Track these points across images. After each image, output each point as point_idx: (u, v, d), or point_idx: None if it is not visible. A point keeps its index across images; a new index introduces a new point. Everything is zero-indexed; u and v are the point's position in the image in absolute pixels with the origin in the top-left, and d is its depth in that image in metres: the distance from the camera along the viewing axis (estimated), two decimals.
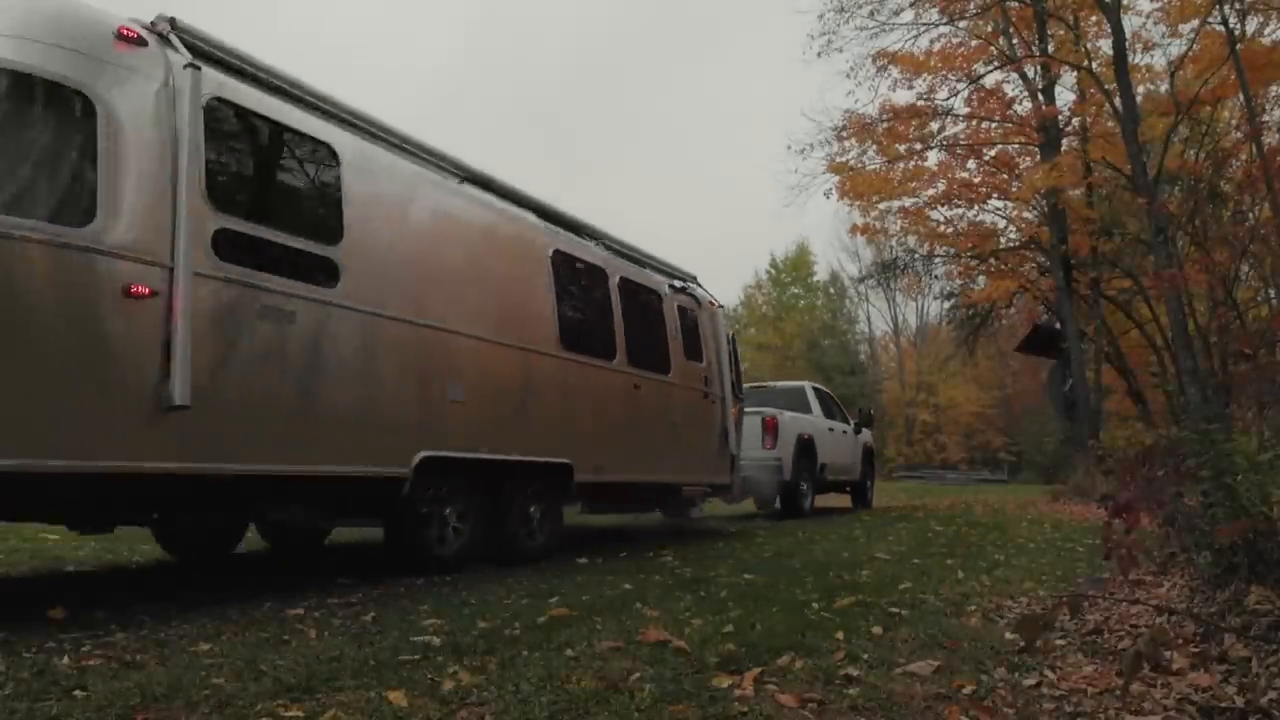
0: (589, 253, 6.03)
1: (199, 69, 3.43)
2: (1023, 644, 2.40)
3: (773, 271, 46.93)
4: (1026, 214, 18.03)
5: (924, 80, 15.85)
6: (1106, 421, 18.10)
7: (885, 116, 15.94)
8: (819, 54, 15.49)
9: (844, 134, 16.13)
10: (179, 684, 2.14)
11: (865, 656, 2.58)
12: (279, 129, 3.88)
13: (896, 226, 18.74)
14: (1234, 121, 16.20)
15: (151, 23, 3.50)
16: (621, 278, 6.24)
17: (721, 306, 7.96)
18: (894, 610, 3.36)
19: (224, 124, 3.61)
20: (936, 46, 15.66)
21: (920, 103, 15.90)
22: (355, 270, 3.98)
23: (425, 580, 4.14)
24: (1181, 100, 14.01)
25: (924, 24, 15.39)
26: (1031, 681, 2.36)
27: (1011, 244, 18.53)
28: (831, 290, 46.77)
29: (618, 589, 3.90)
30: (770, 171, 51.79)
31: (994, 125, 16.82)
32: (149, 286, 3.13)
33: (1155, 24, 14.53)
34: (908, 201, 17.41)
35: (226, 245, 3.42)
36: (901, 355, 46.93)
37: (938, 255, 19.28)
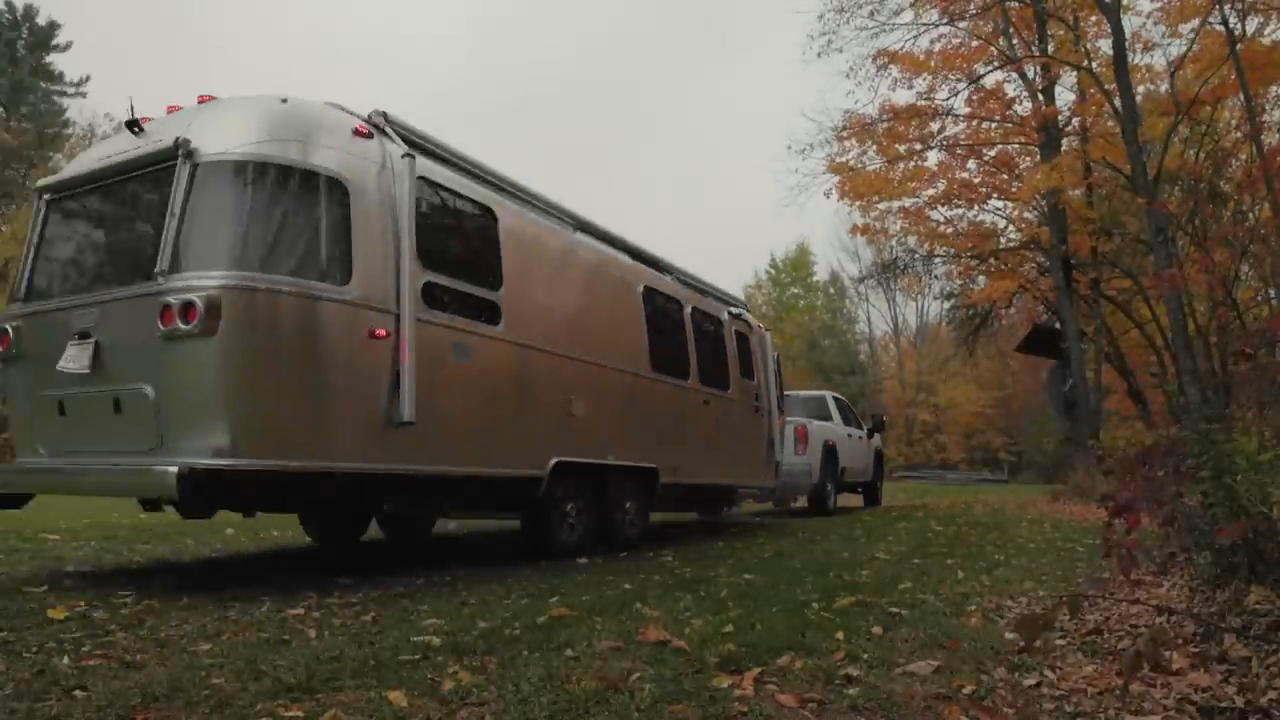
0: (668, 286, 6.93)
1: (412, 157, 4.25)
2: (1023, 644, 2.40)
3: (772, 271, 46.94)
4: (1026, 214, 18.04)
5: (924, 80, 15.86)
6: (1106, 421, 18.11)
7: (885, 117, 15.95)
8: (819, 54, 15.51)
9: (844, 134, 16.14)
10: (179, 684, 2.14)
11: (865, 656, 2.58)
12: (458, 198, 4.74)
13: (896, 226, 18.74)
14: (1234, 121, 16.20)
15: (368, 116, 4.34)
16: (693, 307, 7.19)
17: (769, 330, 9.18)
18: (894, 610, 3.36)
19: (426, 198, 4.42)
20: (936, 47, 15.68)
21: (920, 103, 15.90)
22: (511, 310, 4.84)
23: (425, 580, 4.15)
24: (1181, 100, 14.01)
25: (924, 24, 15.42)
26: (1031, 681, 2.36)
27: (1011, 244, 18.54)
28: (831, 290, 46.78)
29: (618, 589, 3.90)
30: (770, 171, 51.78)
31: (994, 125, 16.82)
32: (386, 330, 3.98)
33: (1155, 24, 14.55)
34: (908, 201, 17.42)
35: (431, 295, 4.29)
36: (901, 355, 46.93)
37: (938, 255, 19.28)
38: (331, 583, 3.99)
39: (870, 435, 12.56)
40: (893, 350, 48.18)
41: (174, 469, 3.31)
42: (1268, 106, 15.40)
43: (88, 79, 32.54)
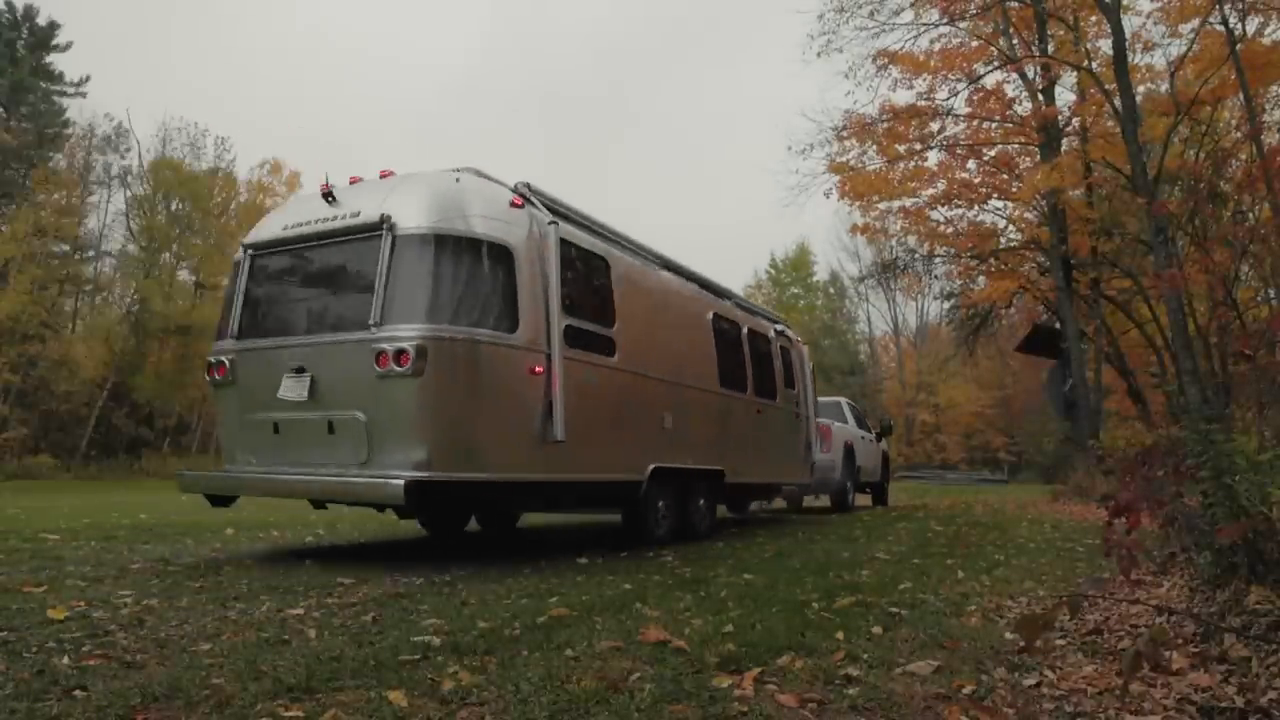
0: (729, 311, 7.78)
1: (556, 223, 5.14)
2: (1023, 644, 2.40)
3: (772, 271, 46.99)
4: (1026, 214, 18.03)
5: (924, 80, 15.86)
6: (1106, 421, 18.10)
7: (885, 117, 15.94)
8: (819, 54, 15.50)
9: (844, 134, 16.13)
10: (179, 684, 2.14)
11: (865, 656, 2.58)
12: (584, 252, 5.55)
13: (896, 226, 18.74)
14: (1234, 121, 16.19)
15: (515, 187, 5.20)
16: (748, 328, 8.08)
17: (806, 344, 10.31)
18: (894, 610, 3.35)
19: (563, 254, 5.17)
20: (936, 47, 15.68)
21: (920, 103, 15.89)
22: (622, 343, 5.68)
23: (425, 580, 4.15)
24: (1181, 100, 14.01)
25: (924, 24, 15.41)
26: (1031, 681, 2.36)
27: (1011, 244, 18.53)
28: (831, 290, 46.82)
29: (618, 589, 3.90)
30: (771, 171, 51.78)
31: (994, 125, 16.81)
32: (541, 367, 4.85)
33: (1155, 24, 14.54)
34: (908, 201, 17.42)
35: (570, 335, 5.10)
36: (901, 355, 46.96)
37: (938, 255, 19.28)
38: (331, 583, 3.99)
39: (879, 439, 13.27)
40: (893, 350, 48.20)
41: (401, 481, 4.22)
42: (1268, 106, 15.38)
43: (88, 79, 32.57)
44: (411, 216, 4.62)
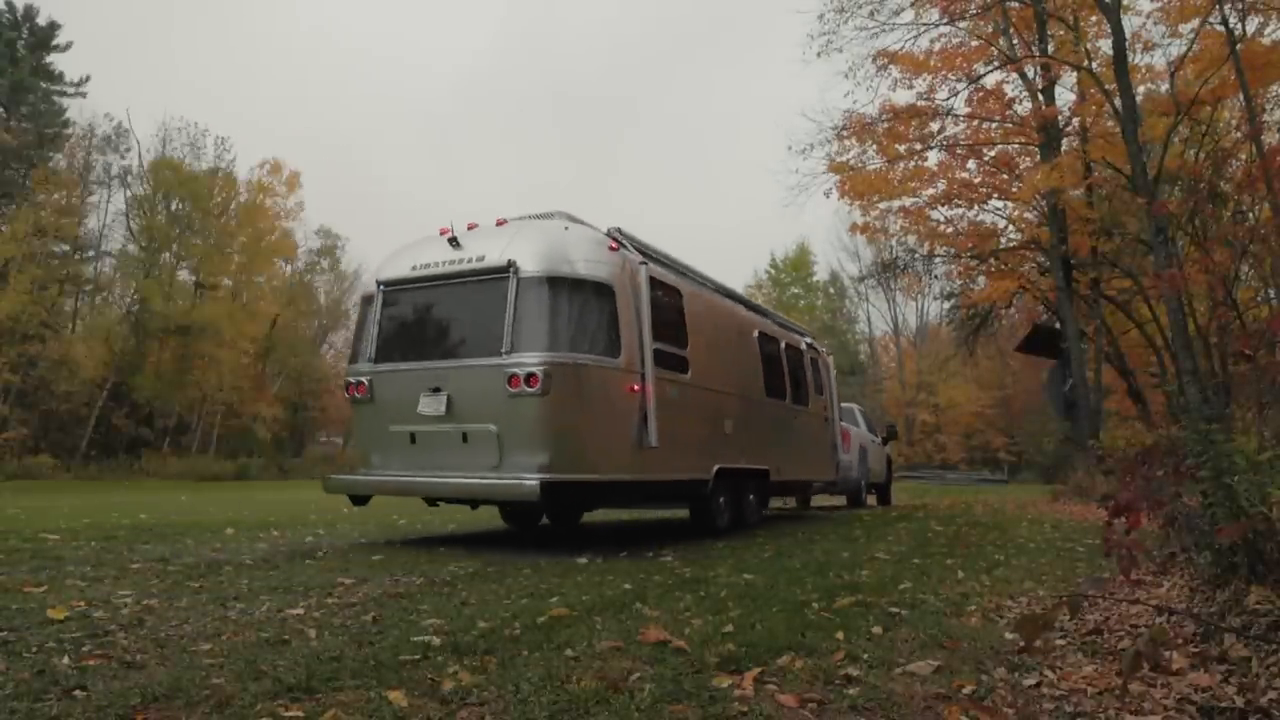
0: (769, 328, 8.69)
1: (645, 263, 6.06)
2: (1023, 644, 2.40)
3: (772, 271, 46.98)
4: (1026, 214, 18.02)
5: (924, 80, 15.84)
6: (1106, 421, 18.09)
7: (885, 116, 15.93)
8: (819, 54, 15.49)
9: (844, 134, 16.12)
10: (179, 684, 2.14)
11: (865, 656, 2.58)
12: (664, 285, 6.37)
13: (896, 226, 18.72)
14: (1234, 121, 16.18)
15: (608, 232, 6.10)
16: (784, 342, 8.97)
17: (831, 354, 11.51)
18: (894, 610, 3.35)
19: (652, 290, 6.02)
20: (936, 46, 15.66)
21: (920, 103, 15.88)
22: (693, 361, 6.54)
23: (425, 580, 4.15)
24: (1181, 100, 14.00)
25: (924, 24, 15.40)
26: (1031, 681, 2.36)
27: (1011, 244, 18.52)
28: (831, 290, 46.81)
29: (618, 589, 3.90)
30: (772, 171, 51.71)
31: (994, 125, 16.80)
32: (637, 385, 5.73)
33: (1155, 24, 14.53)
34: (908, 201, 17.41)
35: (658, 357, 5.91)
36: (901, 355, 46.95)
37: (938, 255, 19.27)
38: (331, 583, 3.99)
39: (884, 442, 14.15)
40: (893, 350, 48.19)
41: (536, 481, 5.07)
42: (1268, 106, 15.38)
43: (88, 79, 32.57)
44: (531, 261, 5.50)
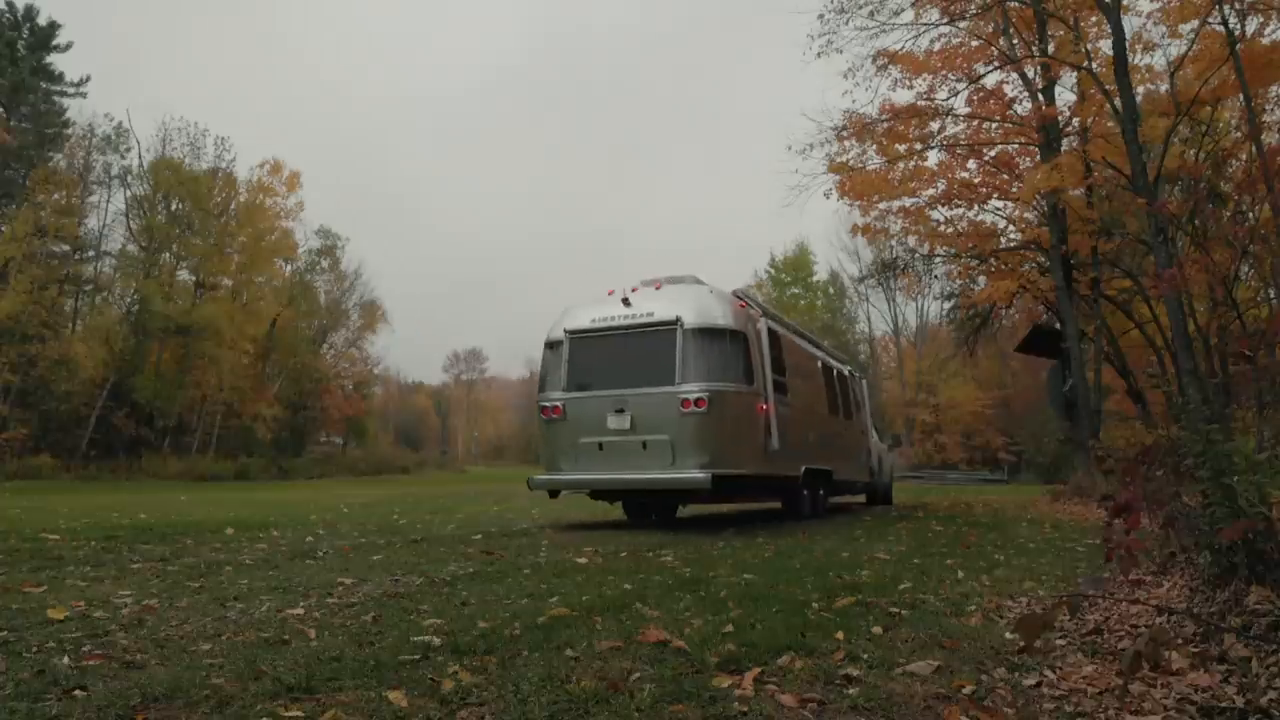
0: (826, 359, 10.84)
1: (764, 316, 8.21)
2: (1023, 644, 2.40)
3: (773, 271, 46.96)
4: (1026, 214, 17.99)
5: (924, 80, 15.81)
6: (1106, 421, 18.08)
7: (885, 116, 15.91)
8: (819, 54, 15.44)
9: (844, 134, 16.09)
10: (179, 684, 2.14)
11: (865, 656, 2.58)
12: (772, 332, 8.29)
13: (897, 226, 18.69)
14: (1234, 121, 16.18)
15: (735, 292, 8.05)
16: (837, 370, 11.17)
17: (865, 378, 14.91)
18: (894, 610, 3.35)
19: (769, 338, 8.13)
20: (936, 47, 15.64)
21: (920, 103, 15.87)
22: (790, 387, 8.55)
23: (425, 580, 4.15)
24: (1181, 100, 13.99)
25: (924, 24, 15.38)
26: (1031, 681, 2.36)
27: (1011, 244, 18.49)
28: (831, 290, 46.81)
29: (618, 589, 3.89)
30: (773, 172, 51.68)
31: (994, 125, 16.79)
32: (763, 405, 7.67)
33: (1155, 25, 14.50)
34: (908, 201, 17.37)
35: (774, 387, 7.98)
36: (901, 355, 46.96)
37: (938, 255, 19.25)
38: (331, 583, 3.99)
39: (890, 449, 15.78)
40: (893, 350, 48.21)
41: (708, 475, 6.92)
42: (1268, 106, 15.37)
43: (88, 79, 32.61)
44: (691, 317, 7.44)
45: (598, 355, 7.76)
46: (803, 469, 8.54)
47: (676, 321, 7.36)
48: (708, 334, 7.37)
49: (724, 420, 7.25)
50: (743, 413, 7.45)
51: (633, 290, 7.88)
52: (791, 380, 8.58)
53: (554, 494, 8.19)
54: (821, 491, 9.52)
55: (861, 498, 13.64)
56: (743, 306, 7.83)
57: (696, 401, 7.09)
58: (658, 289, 7.87)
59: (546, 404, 7.80)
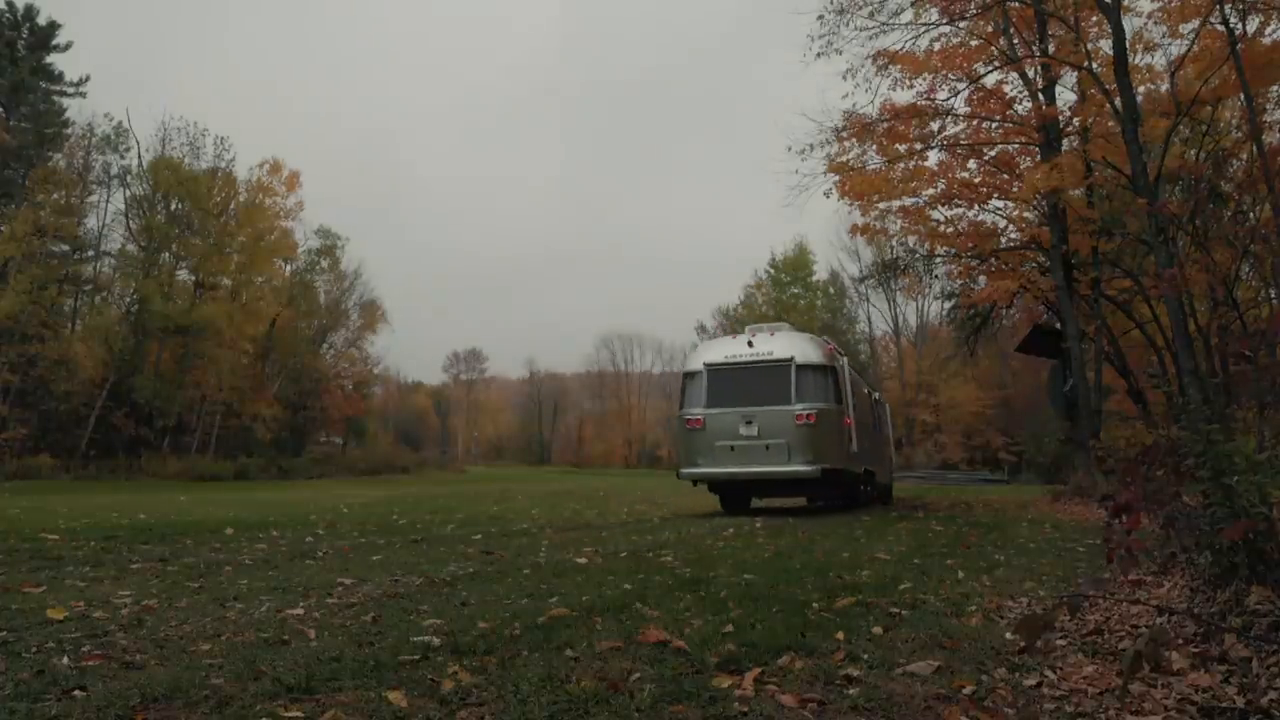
0: (869, 387, 13.64)
1: (845, 357, 11.62)
2: (1023, 644, 2.40)
3: (773, 271, 46.96)
4: (1027, 214, 17.99)
5: (924, 80, 15.79)
6: (1107, 421, 18.06)
7: (885, 117, 15.90)
8: (818, 54, 15.43)
9: (844, 134, 16.08)
10: (179, 684, 2.14)
11: (865, 656, 2.57)
12: (847, 369, 11.19)
13: (896, 226, 18.68)
14: (1234, 121, 16.17)
15: (825, 340, 11.30)
16: (875, 397, 14.23)
17: (884, 401, 17.79)
18: (894, 610, 3.35)
19: (845, 372, 11.17)
20: (936, 47, 15.62)
21: (921, 103, 15.85)
22: (856, 407, 11.20)
23: (424, 580, 4.15)
24: (1182, 100, 13.98)
25: (924, 24, 15.37)
26: (1032, 682, 2.36)
27: (1012, 244, 18.48)
28: (831, 290, 46.82)
29: (618, 589, 3.89)
30: (774, 172, 51.67)
31: (994, 125, 16.79)
32: (848, 420, 10.72)
33: (1155, 24, 14.50)
34: (908, 201, 17.34)
35: (849, 405, 10.89)
36: (901, 355, 46.97)
37: (938, 255, 19.23)
38: (331, 583, 3.99)
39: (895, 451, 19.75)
40: (893, 350, 48.21)
41: (818, 468, 9.74)
42: (1268, 106, 15.36)
43: (88, 79, 32.59)
44: (800, 357, 10.24)
45: (730, 382, 10.44)
46: (863, 468, 11.46)
47: (790, 359, 10.20)
48: (812, 368, 10.24)
49: (825, 430, 10.02)
50: (835, 424, 10.24)
51: (753, 335, 10.80)
52: (856, 403, 11.35)
53: (695, 482, 10.81)
54: (867, 488, 12.34)
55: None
56: (831, 350, 10.88)
57: (807, 416, 9.90)
58: (772, 335, 10.73)
59: (690, 417, 10.50)
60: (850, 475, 10.65)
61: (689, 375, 10.74)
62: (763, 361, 10.25)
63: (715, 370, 10.47)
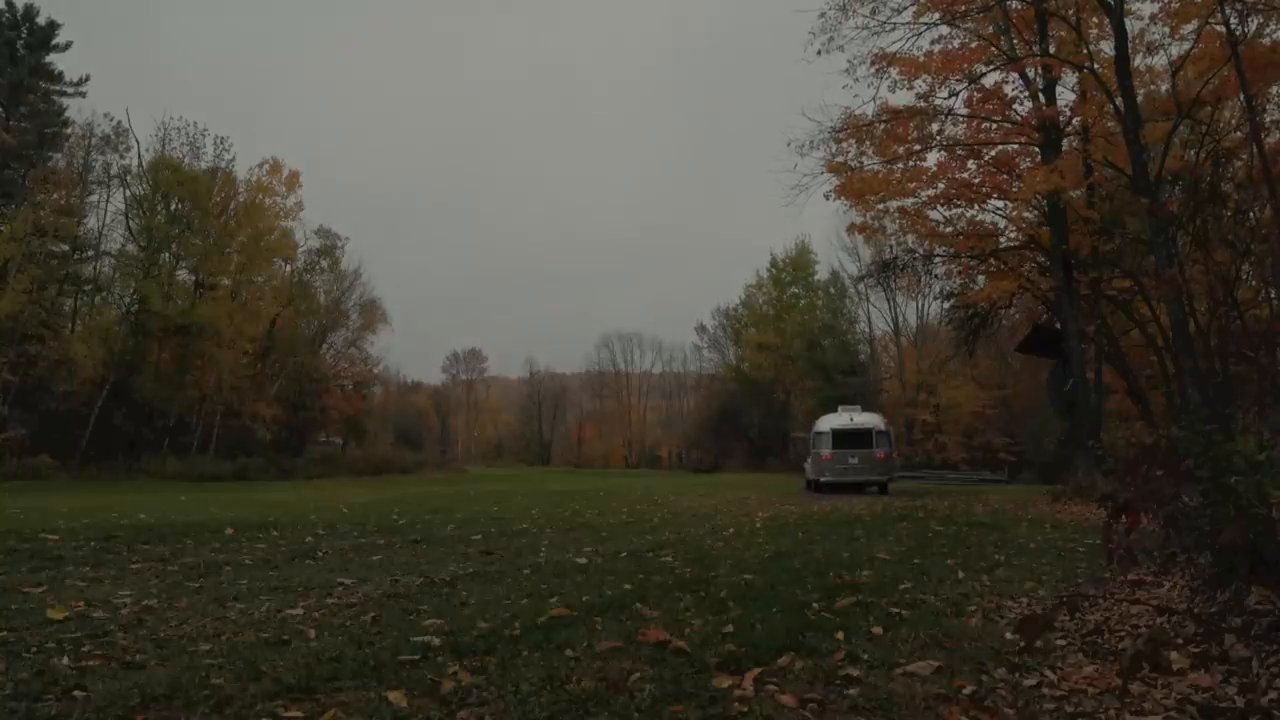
0: (889, 426, 21.60)
1: (891, 425, 23.11)
2: (1023, 644, 2.40)
3: (773, 270, 46.96)
4: (1026, 214, 17.99)
5: (924, 81, 15.80)
6: (1106, 421, 18.06)
7: (883, 118, 15.90)
8: (819, 52, 15.43)
9: (842, 135, 16.08)
10: (179, 684, 2.14)
11: (865, 656, 2.58)
12: (890, 430, 22.64)
13: (894, 226, 18.70)
14: (1234, 121, 16.17)
15: (883, 413, 25.82)
16: (879, 431, 20.48)
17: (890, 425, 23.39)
18: (894, 610, 3.35)
19: (892, 431, 23.17)
20: (937, 47, 15.63)
21: (920, 103, 15.85)
22: (891, 449, 21.99)
23: (424, 580, 4.15)
24: (1183, 100, 13.99)
25: (924, 23, 15.37)
26: (1032, 681, 2.36)
27: (1011, 244, 18.49)
28: (832, 290, 46.78)
29: (618, 589, 3.89)
30: (774, 171, 51.66)
31: (994, 125, 16.79)
32: (894, 454, 22.47)
33: (1157, 25, 14.50)
34: (907, 201, 17.36)
35: (892, 449, 22.27)
36: (901, 355, 46.92)
37: (937, 255, 19.23)
38: (331, 583, 3.99)
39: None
40: (893, 350, 48.18)
41: (887, 477, 19.57)
42: (1268, 106, 15.36)
43: (87, 79, 32.54)
44: (878, 426, 19.85)
45: (842, 436, 19.01)
46: (889, 475, 19.08)
47: (874, 427, 19.22)
48: (882, 431, 19.14)
49: (887, 461, 18.86)
50: (890, 457, 19.22)
51: (853, 413, 20.03)
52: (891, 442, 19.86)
53: (819, 488, 18.61)
54: (888, 482, 19.78)
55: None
56: (888, 420, 20.79)
57: (881, 456, 18.59)
58: (863, 413, 20.24)
59: (825, 453, 18.99)
60: (888, 480, 19.21)
61: (818, 434, 19.99)
62: (859, 427, 19.34)
63: (836, 431, 19.37)
